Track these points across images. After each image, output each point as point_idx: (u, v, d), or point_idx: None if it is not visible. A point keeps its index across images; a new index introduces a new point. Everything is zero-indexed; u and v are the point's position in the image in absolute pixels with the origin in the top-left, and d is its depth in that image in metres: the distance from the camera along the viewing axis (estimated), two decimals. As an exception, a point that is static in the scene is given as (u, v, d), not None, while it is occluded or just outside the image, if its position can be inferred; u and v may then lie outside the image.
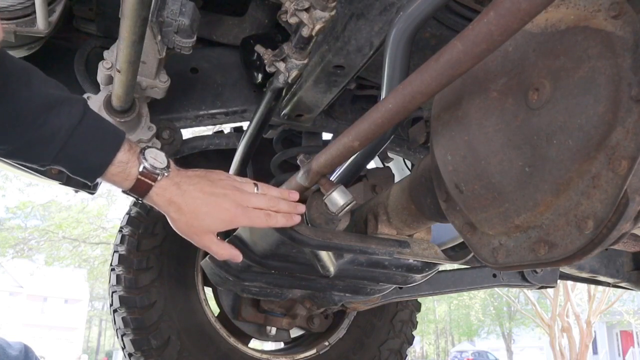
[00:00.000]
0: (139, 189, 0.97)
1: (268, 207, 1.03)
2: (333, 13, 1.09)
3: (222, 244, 1.03)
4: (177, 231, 1.01)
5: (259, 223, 1.01)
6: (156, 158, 0.97)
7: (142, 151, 0.97)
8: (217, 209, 0.97)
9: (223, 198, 0.98)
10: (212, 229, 0.99)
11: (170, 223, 1.00)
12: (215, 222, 0.98)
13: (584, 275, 2.24)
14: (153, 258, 1.98)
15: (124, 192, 0.99)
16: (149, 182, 0.96)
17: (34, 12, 1.26)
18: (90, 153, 0.94)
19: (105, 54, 1.37)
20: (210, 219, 0.97)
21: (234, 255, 1.04)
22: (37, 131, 0.89)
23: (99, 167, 0.94)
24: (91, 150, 0.94)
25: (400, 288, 1.94)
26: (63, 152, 0.92)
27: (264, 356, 2.15)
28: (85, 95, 1.44)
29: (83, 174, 0.96)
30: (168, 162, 0.98)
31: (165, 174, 0.97)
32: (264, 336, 2.16)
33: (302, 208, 1.09)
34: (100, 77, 1.40)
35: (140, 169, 0.95)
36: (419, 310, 2.45)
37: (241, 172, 1.54)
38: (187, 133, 1.93)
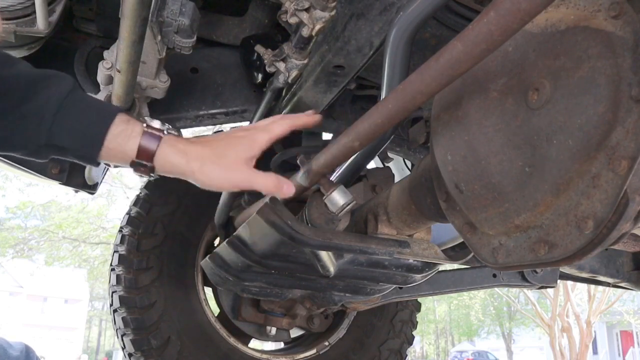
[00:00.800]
0: (145, 153, 0.86)
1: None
2: (333, 13, 1.09)
3: (267, 175, 0.91)
4: (208, 186, 0.90)
5: (278, 130, 0.96)
6: (155, 124, 0.91)
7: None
8: (233, 140, 0.91)
9: (231, 134, 0.94)
10: (241, 156, 0.89)
11: (197, 180, 0.89)
12: (240, 148, 0.90)
13: (584, 275, 2.24)
14: (153, 258, 1.98)
15: (133, 165, 0.88)
16: (156, 137, 0.87)
17: (34, 12, 1.26)
18: (86, 121, 0.85)
19: (105, 54, 1.37)
20: (232, 149, 0.89)
21: (285, 186, 0.92)
22: (26, 106, 0.83)
23: (98, 135, 0.84)
24: (87, 118, 0.85)
25: (400, 288, 1.94)
26: (57, 126, 0.83)
27: (264, 356, 2.15)
28: (85, 96, 1.44)
29: (83, 149, 0.86)
30: (164, 124, 0.92)
31: (172, 132, 0.90)
32: (264, 336, 2.16)
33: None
34: (100, 77, 1.40)
35: (144, 127, 0.87)
36: (419, 310, 2.45)
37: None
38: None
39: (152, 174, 0.90)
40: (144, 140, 0.86)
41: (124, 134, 0.86)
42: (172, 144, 0.88)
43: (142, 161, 0.87)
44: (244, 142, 0.91)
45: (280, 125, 0.97)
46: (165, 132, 0.89)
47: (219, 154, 0.89)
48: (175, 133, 0.91)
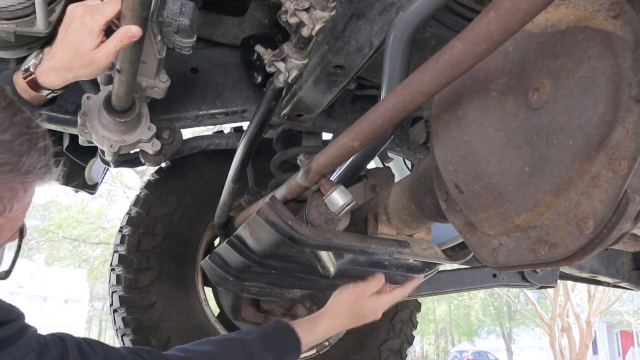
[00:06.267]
0: (34, 86, 1.13)
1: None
2: (333, 13, 1.09)
3: (114, 36, 1.07)
4: (90, 78, 1.17)
5: (112, 11, 1.10)
6: (28, 61, 1.15)
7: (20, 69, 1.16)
8: (76, 37, 1.09)
9: (68, 29, 1.10)
10: (90, 48, 1.09)
11: (81, 79, 1.16)
12: (86, 42, 1.09)
13: (584, 275, 2.23)
14: (153, 258, 1.98)
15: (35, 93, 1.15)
16: (30, 76, 1.13)
17: (34, 12, 1.26)
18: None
19: (105, 54, 1.36)
20: (80, 45, 1.09)
21: (129, 31, 1.05)
22: None
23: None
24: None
25: (400, 288, 1.94)
26: None
27: (264, 356, 2.15)
28: (85, 96, 1.44)
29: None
30: (37, 54, 1.15)
31: (37, 62, 1.13)
32: (264, 336, 2.15)
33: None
34: (100, 76, 1.40)
35: (23, 78, 1.13)
36: (419, 310, 2.45)
37: (241, 172, 1.54)
38: (187, 133, 1.94)
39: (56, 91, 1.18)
40: (30, 84, 1.14)
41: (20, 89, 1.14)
42: (43, 71, 1.13)
43: (36, 91, 1.15)
44: (84, 33, 1.09)
45: (112, 5, 1.10)
46: (32, 67, 1.13)
47: (76, 56, 1.10)
48: (41, 57, 1.15)
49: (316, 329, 1.30)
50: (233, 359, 1.15)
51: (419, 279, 1.40)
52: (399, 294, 1.38)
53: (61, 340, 0.96)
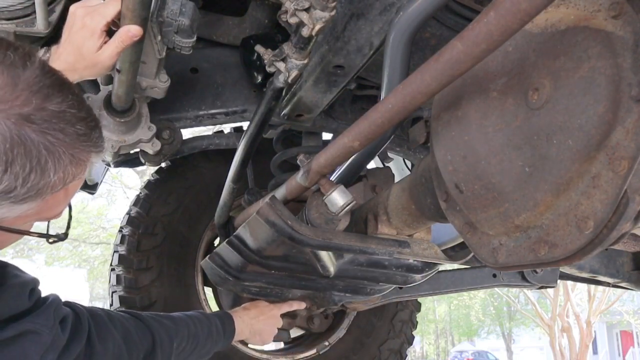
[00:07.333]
0: None
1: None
2: (333, 13, 1.09)
3: (115, 37, 1.08)
4: (101, 75, 1.21)
5: (112, 11, 1.10)
6: None
7: None
8: (78, 39, 1.10)
9: (71, 31, 1.10)
10: (94, 49, 1.10)
11: (91, 76, 1.16)
12: (89, 44, 1.10)
13: (584, 275, 2.23)
14: (153, 258, 1.98)
15: None
16: None
17: (34, 12, 1.26)
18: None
19: (105, 54, 1.36)
20: (84, 47, 1.09)
21: (130, 31, 1.07)
22: None
23: None
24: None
25: (400, 288, 1.94)
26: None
27: (264, 356, 2.15)
28: (85, 95, 1.44)
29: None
30: (45, 52, 1.14)
31: (47, 55, 1.13)
32: (264, 336, 2.15)
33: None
34: (101, 76, 1.40)
35: None
36: (419, 310, 2.45)
37: (241, 172, 1.54)
38: (187, 133, 1.94)
39: None
40: None
41: None
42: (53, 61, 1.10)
43: None
44: (86, 35, 1.09)
45: (112, 6, 1.10)
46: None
47: (79, 58, 1.10)
48: (48, 56, 1.12)
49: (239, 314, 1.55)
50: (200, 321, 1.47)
51: None
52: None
53: (68, 305, 1.13)
